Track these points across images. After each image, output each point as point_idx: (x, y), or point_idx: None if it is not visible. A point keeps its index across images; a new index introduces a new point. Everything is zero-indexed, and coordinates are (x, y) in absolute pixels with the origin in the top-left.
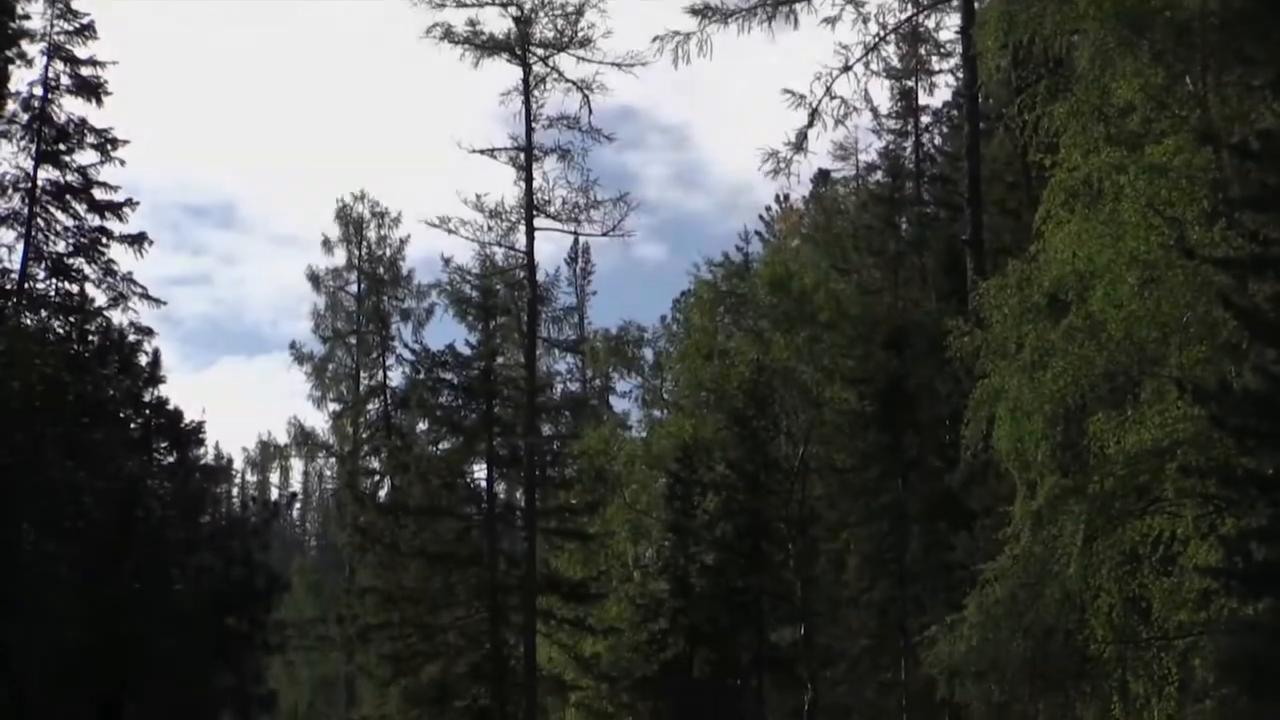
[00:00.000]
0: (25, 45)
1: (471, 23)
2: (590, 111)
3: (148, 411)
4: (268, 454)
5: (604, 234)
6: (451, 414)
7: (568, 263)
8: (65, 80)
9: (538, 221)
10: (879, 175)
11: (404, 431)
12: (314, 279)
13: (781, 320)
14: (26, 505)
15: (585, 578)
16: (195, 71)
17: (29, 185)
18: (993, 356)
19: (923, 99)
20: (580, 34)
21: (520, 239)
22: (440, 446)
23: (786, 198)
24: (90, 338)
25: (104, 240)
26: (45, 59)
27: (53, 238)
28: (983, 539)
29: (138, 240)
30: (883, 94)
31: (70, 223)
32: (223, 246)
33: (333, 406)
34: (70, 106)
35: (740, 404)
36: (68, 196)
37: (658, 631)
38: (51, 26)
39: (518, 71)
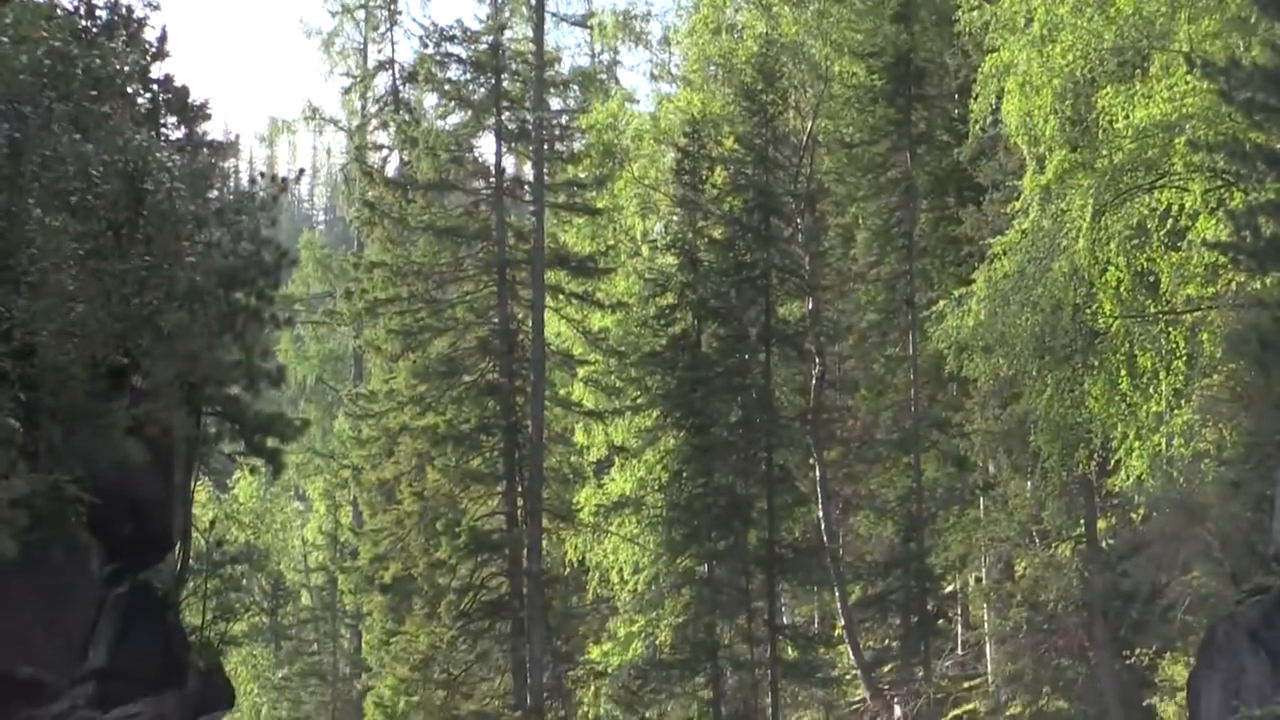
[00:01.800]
0: None
1: None
2: None
3: (155, 87)
4: (276, 129)
5: None
6: (459, 88)
7: None
8: None
9: None
10: None
11: (412, 106)
12: None
13: None
14: (34, 179)
15: (593, 252)
16: None
17: None
18: (1002, 30)
19: None
20: None
21: None
22: (448, 121)
23: None
24: (98, 12)
25: None
26: None
27: None
28: (991, 213)
29: None
30: None
31: None
32: None
33: (341, 81)
34: None
35: (749, 78)
36: None
37: (666, 306)
38: None
39: None
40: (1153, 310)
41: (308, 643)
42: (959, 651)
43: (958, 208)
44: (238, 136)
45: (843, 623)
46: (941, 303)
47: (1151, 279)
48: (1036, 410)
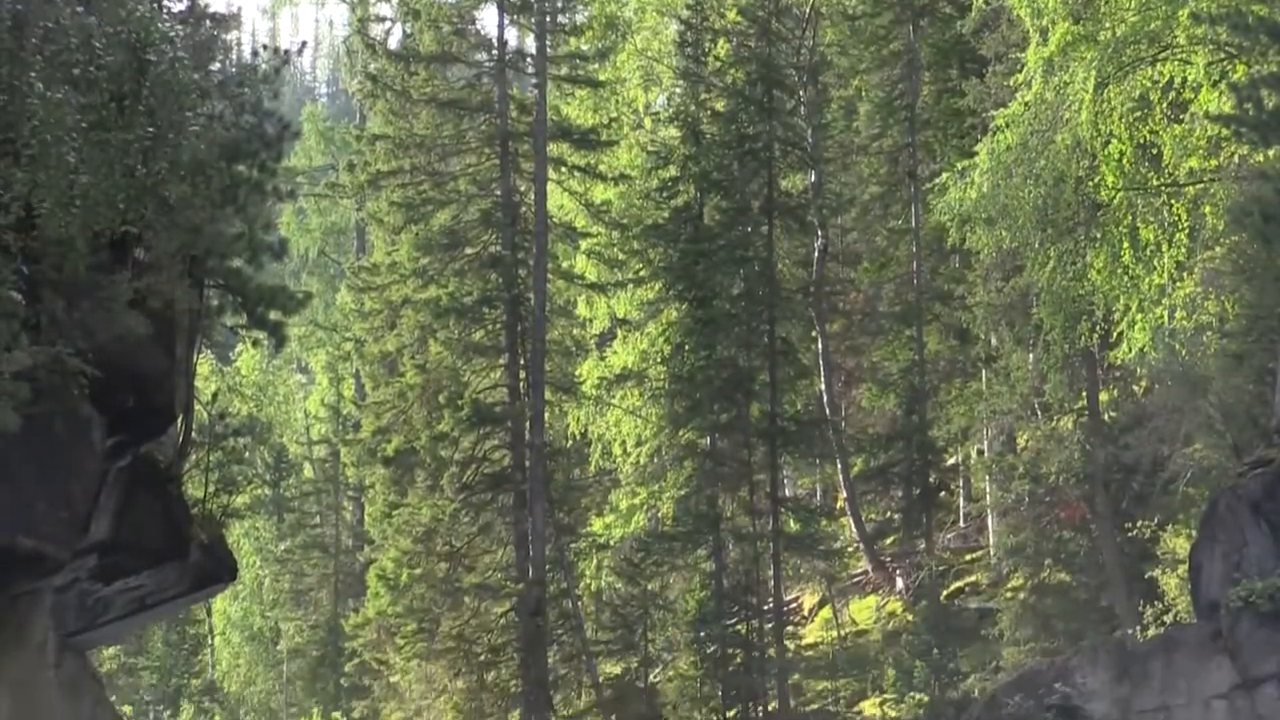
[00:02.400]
0: None
1: None
2: None
3: None
4: (278, 1)
5: None
6: None
7: None
8: None
9: None
10: None
11: None
12: None
13: None
14: (36, 52)
15: (595, 125)
16: None
17: None
18: None
19: None
20: None
21: None
22: None
23: None
24: None
25: None
26: None
27: None
28: (994, 85)
29: None
30: None
31: None
32: None
33: None
34: None
35: None
36: None
37: (668, 179)
38: None
39: None
40: (1155, 183)
41: (310, 515)
42: (961, 524)
43: (960, 80)
44: (240, 9)
45: (844, 495)
46: (944, 175)
47: (1154, 151)
48: (1039, 283)
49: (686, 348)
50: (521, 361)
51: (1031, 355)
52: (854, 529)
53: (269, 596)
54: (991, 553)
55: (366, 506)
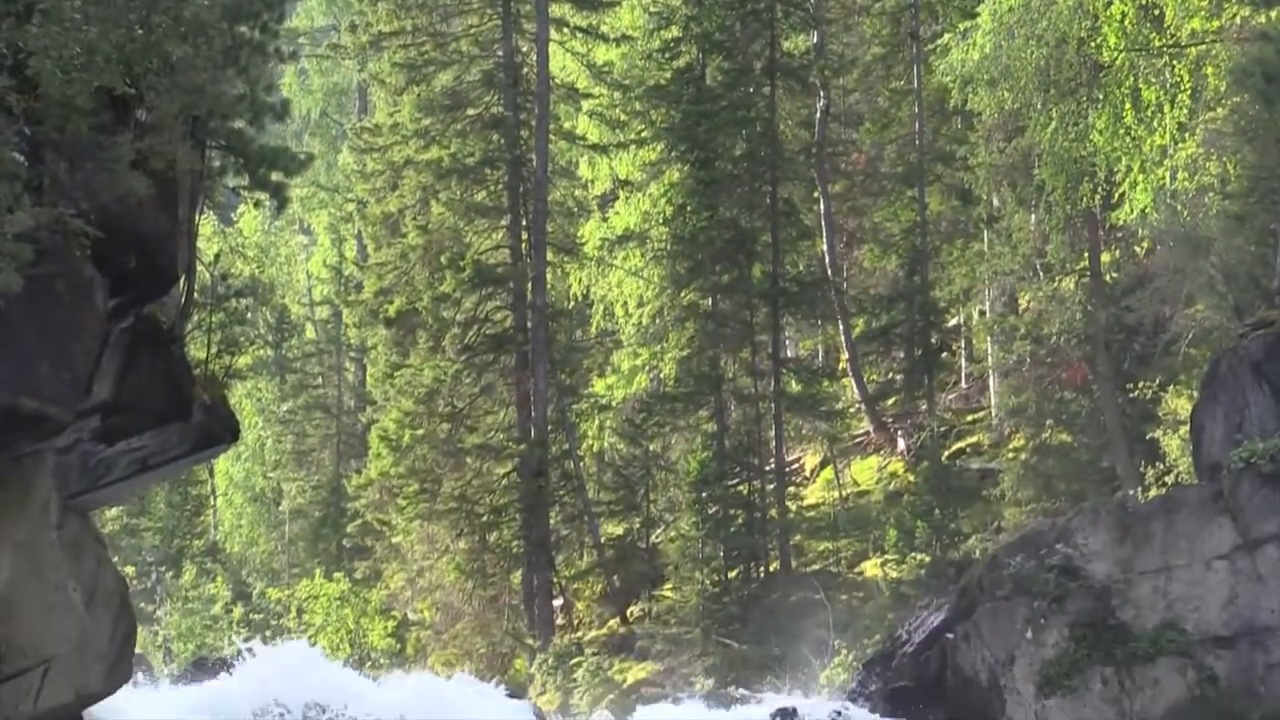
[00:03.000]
0: None
1: None
2: None
3: None
4: None
5: None
6: None
7: None
8: None
9: None
10: None
11: None
12: None
13: None
14: None
15: None
16: None
17: None
18: None
19: None
20: None
21: None
22: None
23: None
24: None
25: None
26: None
27: None
28: None
29: None
30: None
31: None
32: None
33: None
34: None
35: None
36: None
37: (670, 40)
38: None
39: None
40: (1157, 44)
41: (312, 376)
42: (962, 384)
43: None
44: None
45: (846, 356)
46: (946, 36)
47: (1156, 12)
48: (1041, 143)
49: (688, 209)
50: (523, 223)
51: (1033, 216)
52: (855, 390)
53: (271, 457)
54: (993, 413)
55: (368, 367)
